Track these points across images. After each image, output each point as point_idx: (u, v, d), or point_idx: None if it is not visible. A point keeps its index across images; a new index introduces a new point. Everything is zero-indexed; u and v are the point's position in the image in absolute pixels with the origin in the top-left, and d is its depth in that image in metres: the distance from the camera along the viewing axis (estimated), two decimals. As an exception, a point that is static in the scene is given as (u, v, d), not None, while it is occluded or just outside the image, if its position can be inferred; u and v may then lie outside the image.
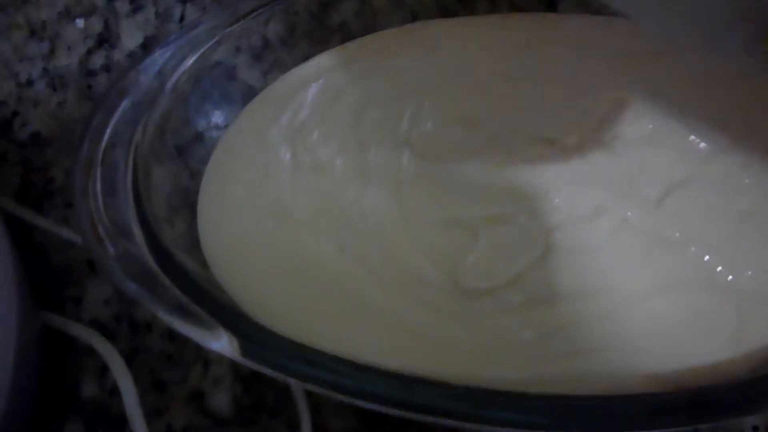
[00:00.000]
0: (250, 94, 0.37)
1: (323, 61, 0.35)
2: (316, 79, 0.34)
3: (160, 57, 0.35)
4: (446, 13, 0.41)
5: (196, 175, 0.35)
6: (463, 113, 0.32)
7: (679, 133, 0.31)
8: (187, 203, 0.34)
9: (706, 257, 0.27)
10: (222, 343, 0.24)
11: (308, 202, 0.30)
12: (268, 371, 0.24)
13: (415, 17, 0.41)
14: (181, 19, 0.43)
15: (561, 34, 0.36)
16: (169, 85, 0.34)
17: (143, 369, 0.34)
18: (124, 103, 0.32)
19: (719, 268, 0.27)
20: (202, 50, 0.36)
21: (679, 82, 0.32)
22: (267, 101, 0.34)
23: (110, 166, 0.30)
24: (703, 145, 0.30)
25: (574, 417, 0.22)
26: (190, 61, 0.36)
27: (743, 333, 0.25)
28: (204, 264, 0.30)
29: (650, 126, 0.31)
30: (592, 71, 0.33)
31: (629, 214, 0.28)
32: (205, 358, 0.34)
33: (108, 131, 0.30)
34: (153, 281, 0.26)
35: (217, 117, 0.37)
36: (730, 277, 0.27)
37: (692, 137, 0.30)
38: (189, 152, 0.35)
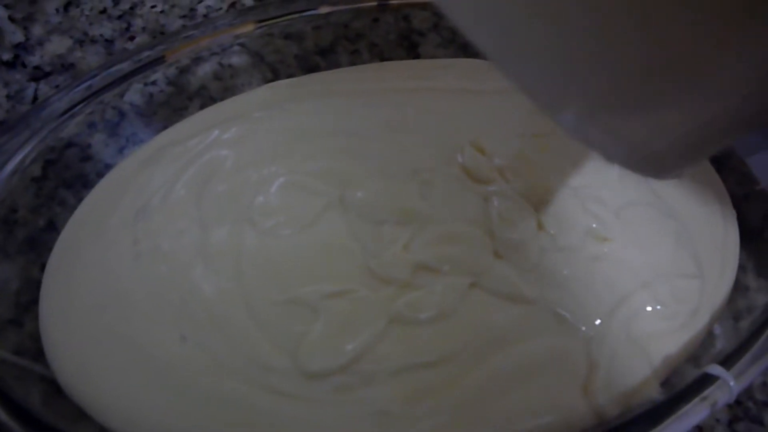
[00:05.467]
0: (106, 173, 0.36)
1: (169, 135, 0.34)
2: (160, 155, 0.32)
3: (3, 141, 0.34)
4: (308, 67, 0.41)
5: (48, 267, 0.32)
6: (304, 179, 0.31)
7: (523, 176, 0.31)
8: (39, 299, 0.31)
9: (563, 312, 0.27)
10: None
11: (149, 292, 0.28)
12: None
13: (276, 74, 0.40)
14: (35, 99, 0.41)
15: (420, 82, 0.36)
16: (8, 170, 0.32)
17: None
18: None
19: (568, 316, 0.27)
20: (52, 130, 0.35)
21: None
22: (109, 184, 0.32)
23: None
24: None
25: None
26: (36, 141, 0.34)
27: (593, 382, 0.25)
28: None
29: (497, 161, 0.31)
30: (448, 116, 0.33)
31: (474, 277, 0.28)
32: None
33: None
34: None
35: (72, 201, 0.35)
36: (583, 327, 0.27)
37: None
38: (40, 243, 0.33)
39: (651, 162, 0.20)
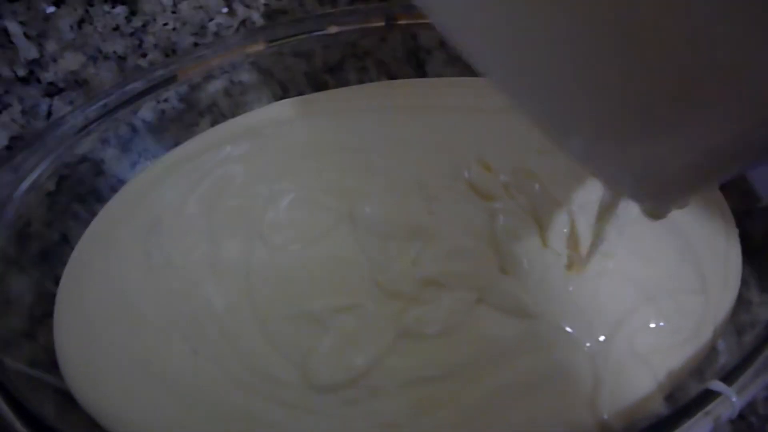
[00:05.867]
0: (118, 188, 0.36)
1: (181, 151, 0.34)
2: (172, 170, 0.33)
3: (21, 158, 0.34)
4: (317, 85, 0.41)
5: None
6: (314, 195, 0.31)
7: (528, 193, 0.31)
8: (53, 311, 0.32)
9: (567, 327, 0.28)
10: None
11: (161, 306, 0.28)
12: None
13: (285, 91, 0.41)
14: (49, 115, 0.42)
15: (427, 99, 0.36)
16: (24, 186, 0.33)
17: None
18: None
19: (572, 331, 0.27)
20: (67, 146, 0.35)
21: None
22: (122, 199, 0.33)
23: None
24: None
25: None
26: (52, 158, 0.35)
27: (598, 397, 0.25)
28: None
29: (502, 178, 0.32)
30: (454, 133, 0.34)
31: (480, 293, 0.28)
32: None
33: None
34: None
35: (85, 215, 0.35)
36: (588, 343, 0.27)
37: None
38: (54, 256, 0.34)
39: (656, 189, 0.20)
